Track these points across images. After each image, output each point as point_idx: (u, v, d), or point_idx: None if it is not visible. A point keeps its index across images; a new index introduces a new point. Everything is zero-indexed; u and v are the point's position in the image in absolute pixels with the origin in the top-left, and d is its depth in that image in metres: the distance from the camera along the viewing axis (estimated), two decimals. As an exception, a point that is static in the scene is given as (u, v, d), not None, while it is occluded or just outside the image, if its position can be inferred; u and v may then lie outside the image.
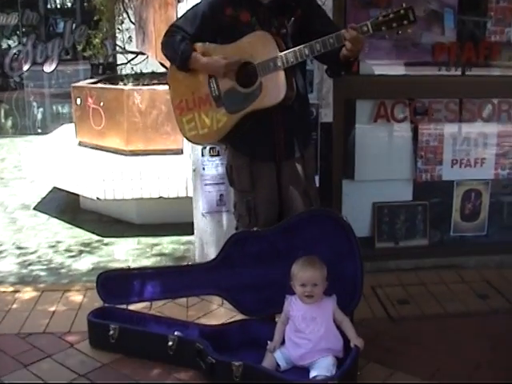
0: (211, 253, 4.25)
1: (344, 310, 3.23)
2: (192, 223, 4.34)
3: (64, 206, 6.39)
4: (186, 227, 5.02)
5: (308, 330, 3.13)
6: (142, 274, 3.55)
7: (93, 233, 5.52)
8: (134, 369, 3.27)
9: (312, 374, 3.07)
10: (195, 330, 3.44)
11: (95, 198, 5.25)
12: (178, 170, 5.23)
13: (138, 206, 5.66)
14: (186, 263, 3.51)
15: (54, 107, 11.56)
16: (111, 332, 3.35)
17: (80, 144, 6.31)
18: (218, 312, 3.89)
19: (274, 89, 3.10)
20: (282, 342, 3.24)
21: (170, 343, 3.24)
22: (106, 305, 3.59)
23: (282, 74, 3.08)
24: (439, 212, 4.64)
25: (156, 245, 5.22)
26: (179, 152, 5.48)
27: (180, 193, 5.19)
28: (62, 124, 8.43)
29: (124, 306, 3.65)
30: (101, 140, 6.01)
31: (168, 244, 5.24)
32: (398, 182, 4.56)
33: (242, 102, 3.17)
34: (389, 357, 3.40)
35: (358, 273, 3.29)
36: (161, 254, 5.02)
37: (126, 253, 5.05)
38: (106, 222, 5.82)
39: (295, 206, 3.35)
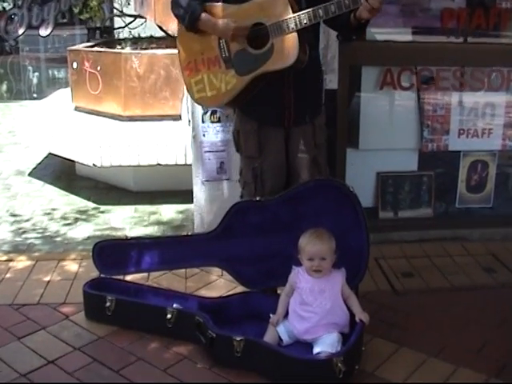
0: (211, 222, 4.13)
1: (349, 284, 3.12)
2: (191, 191, 4.22)
3: (59, 172, 6.25)
4: (184, 195, 4.92)
5: (315, 303, 3.03)
6: (140, 243, 3.43)
7: (89, 200, 5.40)
8: (131, 342, 3.17)
9: (315, 349, 2.97)
10: (194, 303, 3.33)
11: (91, 165, 5.11)
12: (177, 137, 5.10)
13: (135, 173, 5.53)
14: (185, 233, 3.39)
15: (50, 72, 11.38)
16: (107, 304, 3.24)
17: (76, 109, 6.17)
18: (218, 283, 3.79)
19: (286, 51, 2.96)
20: (285, 315, 3.14)
21: (169, 316, 3.14)
22: (102, 275, 3.48)
23: (294, 36, 2.94)
24: (444, 183, 4.53)
25: (153, 213, 5.10)
26: (177, 118, 5.35)
27: (178, 160, 5.07)
28: (58, 89, 8.24)
29: (121, 277, 3.53)
30: (97, 105, 5.87)
31: (166, 212, 5.12)
32: (403, 152, 4.44)
33: (253, 63, 3.03)
34: (393, 332, 3.30)
35: (364, 245, 3.18)
36: (158, 223, 4.90)
37: (123, 221, 4.93)
38: (103, 189, 5.70)
39: (303, 174, 3.24)
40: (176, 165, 5.12)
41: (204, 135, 4.06)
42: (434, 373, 2.97)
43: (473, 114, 4.37)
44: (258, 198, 3.24)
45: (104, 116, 5.69)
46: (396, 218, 4.42)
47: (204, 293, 3.64)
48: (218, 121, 4.03)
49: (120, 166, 5.15)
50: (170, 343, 3.16)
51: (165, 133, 5.20)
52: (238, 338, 2.90)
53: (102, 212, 5.12)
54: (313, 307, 3.03)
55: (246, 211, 3.27)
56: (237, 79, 3.09)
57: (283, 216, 3.25)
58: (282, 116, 3.16)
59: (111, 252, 3.45)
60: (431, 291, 3.78)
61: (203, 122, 4.03)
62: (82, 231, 4.74)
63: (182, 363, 3.02)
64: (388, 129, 4.33)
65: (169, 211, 5.12)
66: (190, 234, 3.39)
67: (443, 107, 4.31)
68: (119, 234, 4.63)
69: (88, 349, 3.12)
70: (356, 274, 3.21)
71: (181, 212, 5.10)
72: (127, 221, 4.94)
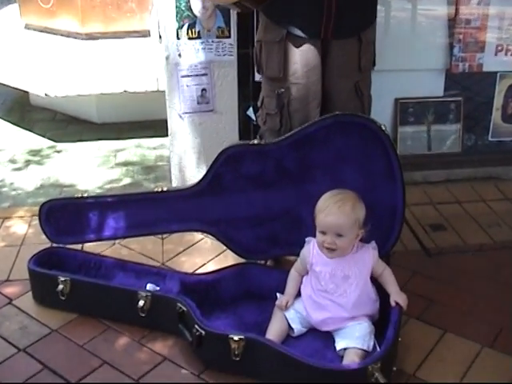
0: (191, 169, 3.33)
1: (379, 251, 2.35)
2: (165, 122, 3.36)
3: (11, 102, 5.26)
4: (158, 127, 4.15)
5: (338, 291, 2.28)
6: (101, 202, 2.61)
7: (44, 136, 4.48)
8: (93, 337, 2.40)
9: (340, 344, 2.24)
10: (175, 281, 2.55)
11: (43, 95, 4.21)
12: (146, 58, 4.22)
13: (98, 101, 4.67)
14: (158, 188, 2.55)
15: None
16: (60, 286, 2.45)
17: (26, 27, 5.16)
18: (204, 245, 3.01)
19: None
20: (296, 295, 2.40)
21: (141, 303, 2.36)
22: (54, 245, 2.67)
23: None
24: (476, 111, 3.77)
25: (121, 150, 4.24)
26: (146, 34, 4.43)
27: (149, 86, 4.20)
28: (7, 5, 7.17)
29: (78, 246, 2.72)
30: (50, 21, 4.89)
31: (136, 149, 4.26)
32: (427, 73, 3.64)
33: None
34: (433, 310, 2.60)
35: (398, 201, 2.44)
36: (127, 163, 4.05)
37: (84, 162, 4.06)
38: (61, 121, 4.78)
39: (340, 102, 2.54)
40: (146, 92, 4.21)
41: (180, 55, 3.18)
42: (496, 371, 2.25)
43: (514, 26, 3.54)
44: (255, 141, 2.43)
45: (58, 34, 4.74)
46: (418, 154, 3.64)
47: (186, 259, 2.89)
48: (198, 37, 3.16)
49: (78, 96, 4.24)
50: (145, 337, 2.41)
51: (132, 53, 4.34)
52: (236, 338, 2.13)
53: (59, 151, 4.23)
54: (334, 296, 2.28)
55: (241, 158, 2.47)
56: None
57: (290, 165, 2.47)
58: (321, 24, 2.45)
59: (64, 214, 2.64)
60: (470, 249, 3.05)
61: (178, 38, 3.16)
62: (34, 178, 3.85)
63: (161, 368, 2.26)
64: (409, 44, 3.51)
65: (139, 148, 4.26)
66: (165, 189, 2.55)
67: (479, 18, 3.46)
68: (78, 181, 3.77)
69: (36, 349, 2.34)
70: (388, 237, 2.49)
71: (154, 148, 4.25)
72: (89, 162, 4.07)
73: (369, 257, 2.29)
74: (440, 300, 2.65)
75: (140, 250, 2.95)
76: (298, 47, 2.48)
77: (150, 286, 2.49)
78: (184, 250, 2.97)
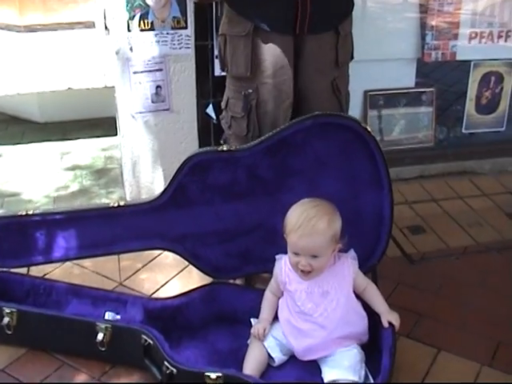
0: (146, 174, 3.04)
1: (363, 266, 2.10)
2: (114, 119, 3.04)
3: None
4: (106, 125, 3.82)
5: (318, 311, 2.01)
6: (48, 220, 2.29)
7: (-20, 139, 4.09)
8: (47, 376, 2.09)
9: (328, 375, 1.99)
10: (137, 307, 2.26)
11: (-21, 94, 3.84)
12: (92, 51, 3.86)
13: (40, 99, 4.29)
14: (114, 202, 2.23)
15: None
16: (6, 319, 2.13)
17: (-42, 19, 4.76)
18: (164, 260, 2.73)
19: None
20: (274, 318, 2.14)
21: (101, 335, 2.06)
22: (-4, 269, 2.34)
23: None
24: (449, 102, 3.59)
25: (67, 153, 3.88)
26: (91, 25, 4.07)
27: (96, 83, 3.84)
28: None
29: (24, 270, 2.41)
30: (-15, 12, 4.50)
31: (84, 151, 3.91)
32: (398, 63, 3.41)
33: None
34: (423, 324, 2.39)
35: (385, 209, 2.21)
36: (75, 167, 3.70)
37: (27, 167, 3.69)
38: (0, 122, 4.38)
39: (316, 102, 2.27)
40: (93, 88, 3.87)
41: (131, 49, 2.87)
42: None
43: (488, 11, 3.33)
44: (224, 147, 2.14)
45: (-6, 27, 4.35)
46: (389, 150, 3.39)
47: (146, 277, 2.63)
48: (151, 28, 2.85)
49: (18, 95, 3.87)
50: (106, 373, 2.12)
51: (75, 46, 3.95)
52: (214, 375, 1.85)
53: (-1, 155, 3.87)
54: (315, 317, 2.02)
55: (208, 167, 2.19)
56: None
57: (264, 173, 2.20)
58: (294, 18, 2.18)
59: (7, 234, 2.31)
60: (454, 253, 2.84)
61: (129, 30, 2.84)
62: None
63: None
64: (379, 33, 3.26)
65: (87, 149, 3.92)
66: (121, 203, 2.24)
67: (452, 3, 3.21)
68: (22, 189, 3.41)
69: (-24, 395, 2.02)
70: (373, 250, 2.25)
71: (103, 149, 3.91)
72: (32, 167, 3.70)
73: (348, 268, 2.04)
74: (429, 313, 2.43)
75: (94, 268, 2.65)
76: (267, 42, 2.20)
77: (109, 315, 2.20)
78: (143, 267, 2.68)
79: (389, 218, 2.18)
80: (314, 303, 2.00)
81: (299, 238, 1.92)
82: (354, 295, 2.05)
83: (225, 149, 2.13)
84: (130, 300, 2.27)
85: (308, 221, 1.92)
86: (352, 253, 2.06)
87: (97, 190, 3.38)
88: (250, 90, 2.23)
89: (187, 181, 2.18)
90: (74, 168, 3.68)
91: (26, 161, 3.76)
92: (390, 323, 2.02)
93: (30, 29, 4.18)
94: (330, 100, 2.28)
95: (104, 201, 3.23)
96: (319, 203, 1.98)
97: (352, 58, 2.40)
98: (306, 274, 1.97)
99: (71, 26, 4.17)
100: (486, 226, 3.03)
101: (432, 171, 3.47)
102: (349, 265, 2.04)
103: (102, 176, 3.55)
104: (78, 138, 4.04)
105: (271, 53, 2.19)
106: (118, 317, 2.21)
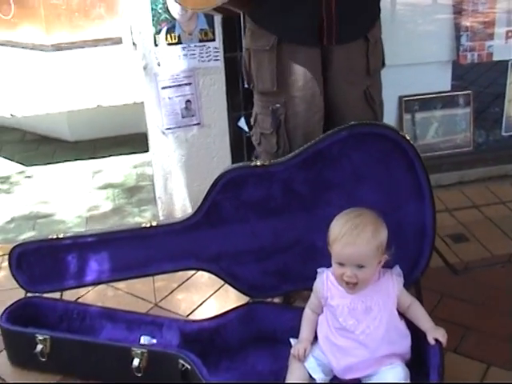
0: (179, 191, 2.98)
1: (405, 280, 2.01)
2: (145, 135, 2.99)
3: (-26, 123, 4.86)
4: (136, 142, 3.76)
5: (360, 328, 1.91)
6: (80, 243, 2.24)
7: (12, 160, 4.08)
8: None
9: (373, 395, 1.87)
10: (173, 330, 2.19)
11: (8, 116, 3.81)
12: (120, 67, 3.83)
13: (70, 117, 4.28)
14: (146, 223, 2.17)
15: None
16: (39, 347, 2.07)
17: (-14, 41, 4.77)
18: (199, 279, 2.66)
19: None
20: (314, 338, 2.03)
21: (137, 361, 1.99)
22: (29, 294, 2.29)
23: None
24: (486, 104, 3.51)
25: (98, 171, 3.85)
26: (118, 41, 4.03)
27: (125, 99, 3.80)
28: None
29: (56, 295, 2.35)
30: (12, 33, 4.47)
31: (114, 169, 3.87)
32: (432, 67, 3.31)
33: None
34: (470, 338, 2.28)
35: (427, 221, 2.10)
36: (107, 186, 3.67)
37: (58, 188, 3.66)
38: (31, 142, 4.38)
39: (349, 113, 2.17)
40: (123, 105, 3.83)
41: (159, 64, 2.82)
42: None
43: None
44: (258, 162, 2.06)
45: (21, 47, 4.32)
46: (427, 156, 3.27)
47: (182, 298, 2.57)
48: (178, 42, 2.80)
49: (47, 114, 3.85)
50: (143, 401, 2.03)
51: (103, 63, 3.93)
52: (254, 400, 1.76)
53: (30, 177, 3.83)
54: (356, 335, 1.92)
55: (241, 183, 2.11)
56: None
57: (300, 187, 2.12)
58: (319, 29, 2.08)
59: (38, 258, 2.26)
60: (499, 262, 2.70)
61: (156, 45, 2.80)
62: (3, 209, 3.45)
63: None
64: (412, 36, 3.18)
65: (118, 167, 3.88)
66: (154, 223, 2.18)
67: (486, 1, 3.09)
68: (54, 209, 3.38)
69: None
70: (416, 263, 2.14)
71: (135, 166, 3.87)
72: (64, 186, 3.67)
73: (393, 284, 1.95)
74: (476, 326, 2.32)
75: (128, 289, 2.60)
76: (292, 55, 2.11)
77: (144, 339, 2.13)
78: (178, 287, 2.62)
79: (431, 228, 2.08)
80: (356, 319, 1.91)
81: (344, 247, 1.84)
82: (397, 313, 1.96)
83: (258, 164, 2.06)
84: (165, 323, 2.20)
85: (353, 229, 1.84)
86: (397, 269, 1.97)
87: (129, 209, 3.33)
88: (278, 105, 2.15)
89: (221, 198, 2.11)
90: (105, 187, 3.64)
91: (58, 181, 3.74)
92: (436, 340, 1.92)
93: (58, 47, 4.17)
94: (363, 110, 2.20)
95: (137, 219, 3.19)
96: (364, 212, 1.90)
97: (383, 64, 2.30)
98: (351, 286, 1.88)
99: (98, 42, 4.15)
100: (531, 232, 2.91)
101: (472, 176, 3.36)
102: (394, 281, 1.95)
103: (134, 194, 3.51)
104: (109, 156, 4.01)
105: (297, 66, 2.11)
106: (154, 341, 2.14)
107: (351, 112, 2.16)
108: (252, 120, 2.32)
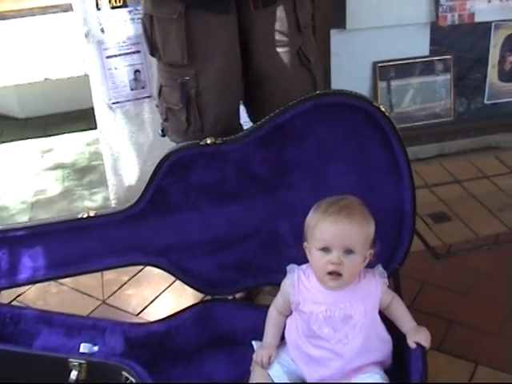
0: (130, 173, 2.69)
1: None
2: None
3: None
4: (90, 117, 3.40)
5: (336, 337, 1.65)
6: (9, 237, 1.93)
7: (-45, 140, 3.75)
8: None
9: (346, 405, 1.62)
10: (118, 335, 1.90)
11: None
12: (69, 37, 3.53)
13: (19, 93, 3.95)
14: (83, 213, 1.87)
15: None
16: (-38, 358, 1.78)
17: None
18: (152, 272, 2.36)
19: None
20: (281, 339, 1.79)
21: (74, 374, 1.71)
22: (-47, 296, 2.00)
23: None
24: (468, 70, 3.28)
25: (48, 150, 3.53)
26: (68, 8, 3.71)
27: (75, 71, 3.50)
28: None
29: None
30: (-48, 2, 4.17)
31: (66, 147, 3.56)
32: (409, 29, 3.02)
33: None
34: (454, 335, 2.05)
35: (406, 203, 1.84)
36: (57, 166, 3.36)
37: (5, 169, 3.35)
38: (-23, 120, 4.04)
39: (282, 79, 1.89)
40: (73, 77, 3.53)
41: (103, 30, 2.51)
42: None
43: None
44: (208, 141, 1.77)
45: (-38, 16, 4.01)
46: (404, 127, 3.03)
47: (132, 293, 2.34)
48: (123, 4, 2.50)
49: (-8, 89, 3.56)
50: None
51: (51, 32, 3.62)
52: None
53: (-25, 158, 3.52)
54: (331, 344, 1.65)
55: (190, 164, 1.83)
56: None
57: (259, 168, 1.84)
58: None
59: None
60: (484, 244, 2.46)
61: (98, 8, 2.48)
62: None
63: None
64: (386, -4, 2.89)
65: (70, 145, 3.57)
66: (92, 213, 1.88)
67: (467, -46, 2.86)
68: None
69: None
70: (394, 251, 1.85)
71: (88, 144, 3.56)
72: (11, 168, 3.36)
73: (376, 286, 1.68)
74: (461, 319, 2.10)
75: (73, 284, 2.34)
76: (204, 24, 1.81)
77: (84, 347, 1.85)
78: (129, 280, 2.36)
79: (411, 212, 1.82)
80: (332, 328, 1.64)
81: (331, 224, 1.57)
82: (379, 317, 1.70)
83: (209, 142, 1.77)
84: (108, 327, 1.91)
85: (341, 209, 1.59)
86: (379, 268, 1.70)
87: (79, 192, 3.05)
88: (187, 78, 1.85)
89: (167, 183, 1.82)
90: (55, 167, 3.34)
91: (3, 162, 3.41)
92: (418, 345, 1.66)
93: (2, 16, 3.86)
94: (300, 73, 1.92)
95: (86, 204, 2.90)
96: (349, 198, 1.64)
97: (313, 19, 2.00)
98: (335, 277, 1.60)
99: (46, 10, 3.86)
100: (518, 209, 2.67)
101: (452, 149, 3.12)
102: (376, 284, 1.68)
103: (85, 175, 3.22)
104: (61, 133, 3.69)
105: (210, 35, 1.82)
106: (96, 348, 1.86)
107: (285, 78, 1.89)
108: (156, 92, 2.01)
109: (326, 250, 1.58)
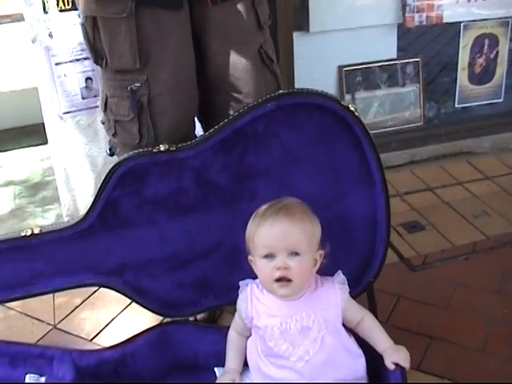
0: (83, 188, 2.51)
1: (355, 286, 1.61)
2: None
3: None
4: (43, 132, 3.26)
5: (296, 354, 1.50)
6: None
7: None
8: None
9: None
10: (67, 364, 1.71)
11: None
12: (21, 47, 3.34)
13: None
14: (27, 231, 1.70)
15: None
16: None
17: None
18: (108, 293, 2.15)
19: None
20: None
21: (15, 411, 1.52)
22: None
23: None
24: (437, 73, 3.23)
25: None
26: (19, 18, 3.55)
27: (27, 83, 3.31)
28: None
29: None
30: None
31: (18, 163, 3.37)
32: (376, 31, 2.93)
33: None
34: (434, 353, 1.91)
35: (379, 211, 1.71)
36: (8, 183, 3.17)
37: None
38: None
39: (244, 80, 1.77)
40: (26, 90, 3.36)
41: (51, 35, 2.34)
42: None
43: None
44: (162, 147, 1.62)
45: None
46: (372, 134, 2.88)
47: (86, 316, 2.17)
48: (73, 7, 2.33)
49: None
50: None
51: (2, 43, 3.49)
52: None
53: None
54: (292, 362, 1.50)
55: (143, 174, 1.67)
56: None
57: (218, 176, 1.69)
58: None
59: None
60: (461, 253, 2.35)
61: (46, 12, 2.31)
62: None
63: None
64: (350, -4, 2.79)
65: (22, 161, 3.38)
66: (36, 231, 1.71)
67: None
68: None
69: None
70: (367, 264, 1.72)
71: (42, 160, 3.38)
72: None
73: (335, 295, 1.52)
74: (440, 334, 1.97)
75: (22, 308, 2.17)
76: (156, 22, 1.67)
77: (30, 378, 1.67)
78: (82, 303, 2.19)
79: (384, 221, 1.68)
80: (290, 343, 1.49)
81: (271, 227, 1.44)
82: (343, 329, 1.54)
83: (162, 149, 1.61)
84: (57, 355, 1.73)
85: (278, 210, 1.46)
86: (340, 276, 1.55)
87: (31, 209, 2.87)
88: (138, 84, 1.70)
89: (118, 195, 1.66)
90: (6, 184, 3.16)
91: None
92: (397, 365, 1.51)
93: (-51, 27, 3.69)
94: (262, 74, 1.79)
95: (38, 222, 2.72)
96: (287, 198, 1.52)
97: (269, 17, 1.87)
98: (285, 284, 1.44)
99: (-1, 19, 3.69)
100: (494, 216, 2.58)
101: (424, 155, 3.02)
102: (336, 291, 1.53)
103: (38, 191, 3.04)
104: (13, 149, 3.51)
105: (162, 35, 1.67)
106: (43, 379, 1.69)
107: (246, 80, 1.76)
108: (101, 105, 1.85)
109: (269, 256, 1.45)
